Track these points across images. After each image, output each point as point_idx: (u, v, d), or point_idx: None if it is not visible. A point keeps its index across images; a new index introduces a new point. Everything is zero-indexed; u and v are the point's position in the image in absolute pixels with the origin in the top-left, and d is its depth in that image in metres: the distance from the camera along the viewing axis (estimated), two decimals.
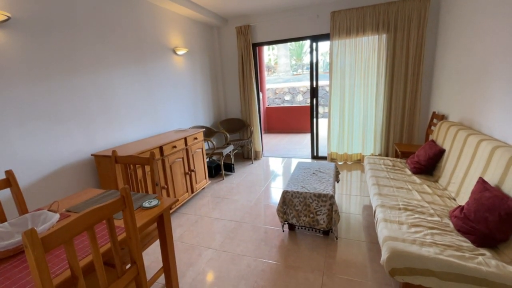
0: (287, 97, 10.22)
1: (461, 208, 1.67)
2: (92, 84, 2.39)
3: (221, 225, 2.56)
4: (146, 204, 1.45)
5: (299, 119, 7.19)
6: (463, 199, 1.90)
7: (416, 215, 1.75)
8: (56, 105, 2.09)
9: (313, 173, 2.61)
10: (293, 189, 2.26)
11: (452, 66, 2.89)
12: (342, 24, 3.70)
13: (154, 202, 1.47)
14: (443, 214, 1.78)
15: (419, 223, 1.65)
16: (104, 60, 2.49)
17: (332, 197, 2.12)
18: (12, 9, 1.79)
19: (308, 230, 2.35)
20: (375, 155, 3.99)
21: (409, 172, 2.58)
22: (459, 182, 2.03)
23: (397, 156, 3.55)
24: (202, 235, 2.40)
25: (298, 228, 2.37)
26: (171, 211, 2.75)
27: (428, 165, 2.51)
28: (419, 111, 3.61)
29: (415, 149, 3.22)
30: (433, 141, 2.70)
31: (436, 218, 1.71)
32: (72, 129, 2.22)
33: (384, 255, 1.43)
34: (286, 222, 2.32)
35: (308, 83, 11.39)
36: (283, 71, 14.02)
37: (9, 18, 1.72)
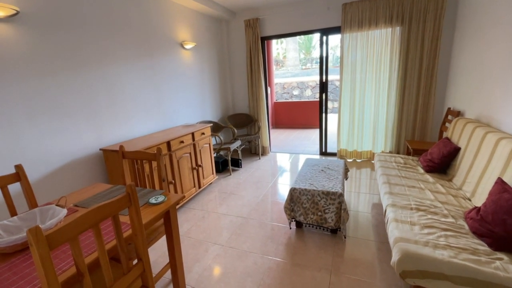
0: (296, 92, 10.09)
1: (477, 209, 1.60)
2: (100, 79, 2.39)
3: (228, 221, 2.56)
4: (152, 200, 1.44)
5: (307, 114, 7.09)
6: (479, 200, 1.82)
7: (429, 216, 1.68)
8: (64, 99, 2.10)
9: (322, 170, 2.56)
10: (301, 186, 2.22)
11: (470, 60, 2.76)
12: (354, 17, 3.58)
13: (161, 198, 1.46)
14: (458, 215, 1.71)
15: (432, 224, 1.59)
16: (111, 54, 2.49)
17: (341, 195, 2.07)
18: (20, 3, 1.79)
19: (316, 228, 2.31)
20: (386, 152, 3.89)
21: (421, 171, 2.50)
22: (475, 182, 1.95)
23: (408, 153, 3.45)
24: (209, 231, 2.40)
25: (306, 226, 2.34)
26: (178, 206, 2.76)
27: (442, 163, 2.42)
28: (432, 107, 3.49)
29: (428, 146, 3.12)
30: (447, 138, 2.60)
31: (450, 219, 1.65)
32: (81, 123, 2.24)
33: (395, 257, 1.38)
34: (293, 220, 2.29)
35: (317, 78, 11.21)
36: (292, 65, 13.85)
37: (17, 13, 1.72)
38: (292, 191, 2.22)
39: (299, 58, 14.63)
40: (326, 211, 2.13)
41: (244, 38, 4.35)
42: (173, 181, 2.65)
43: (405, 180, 2.27)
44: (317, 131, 6.61)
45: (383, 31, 3.53)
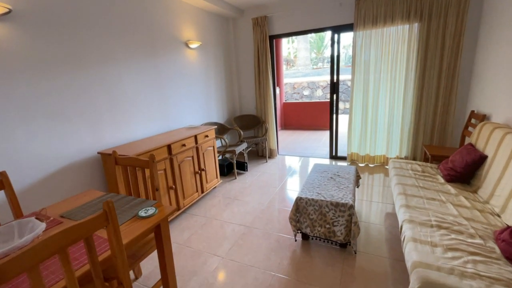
0: (306, 92, 9.86)
1: (510, 230, 1.39)
2: (100, 80, 2.31)
3: (230, 229, 2.42)
4: (142, 213, 1.32)
5: (318, 115, 6.87)
6: (511, 217, 1.60)
7: (453, 235, 1.48)
8: (61, 102, 2.02)
9: (331, 178, 2.38)
10: (307, 195, 2.06)
11: (497, 58, 2.50)
12: (368, 13, 3.37)
13: (151, 211, 1.33)
14: (487, 235, 1.50)
15: (457, 246, 1.39)
16: (111, 54, 2.40)
17: (352, 207, 1.89)
18: (13, 1, 1.71)
19: (323, 241, 2.14)
20: (401, 158, 3.66)
21: (441, 180, 2.27)
22: (505, 195, 1.72)
23: (426, 159, 3.20)
24: (210, 240, 2.28)
25: (312, 239, 2.17)
26: (179, 212, 2.65)
27: (465, 172, 2.19)
28: (453, 110, 3.22)
29: (448, 152, 2.87)
30: (471, 144, 2.36)
31: (478, 240, 1.44)
32: (78, 126, 2.16)
33: (414, 284, 1.20)
34: (299, 231, 2.13)
35: (328, 78, 10.92)
36: (303, 65, 13.59)
37: (10, 11, 1.64)
38: (298, 200, 2.06)
39: (310, 58, 14.35)
40: (335, 223, 1.95)
41: (252, 36, 4.21)
42: (173, 186, 2.54)
43: (424, 191, 2.06)
44: (327, 133, 6.39)
45: (400, 28, 3.29)
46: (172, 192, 2.54)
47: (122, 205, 1.45)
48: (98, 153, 2.24)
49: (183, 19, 3.28)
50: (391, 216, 2.48)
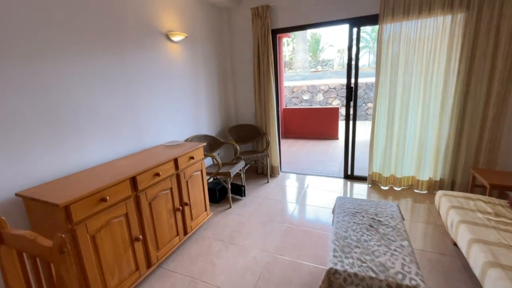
0: (306, 96, 9.17)
1: None
2: (29, 80, 1.52)
3: None
4: None
5: (322, 122, 6.17)
6: None
7: None
8: None
9: (370, 226, 1.64)
10: (346, 267, 1.30)
11: None
12: (398, 1, 2.67)
13: None
14: None
15: None
16: (50, 44, 1.62)
17: None
18: None
19: None
20: (435, 181, 2.95)
21: None
22: None
23: (473, 186, 2.51)
24: None
25: None
26: (150, 270, 1.85)
27: None
28: (508, 123, 2.54)
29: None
30: None
31: None
32: None
33: None
34: None
35: (329, 81, 10.29)
36: (301, 68, 12.94)
37: None
38: (332, 275, 1.30)
39: (309, 60, 13.73)
40: None
41: (251, 30, 3.47)
42: (141, 236, 1.75)
43: None
44: (334, 142, 5.70)
45: (439, 20, 2.60)
46: (138, 245, 1.74)
47: None
48: (17, 195, 1.44)
49: (162, 4, 2.51)
50: (451, 277, 1.75)
